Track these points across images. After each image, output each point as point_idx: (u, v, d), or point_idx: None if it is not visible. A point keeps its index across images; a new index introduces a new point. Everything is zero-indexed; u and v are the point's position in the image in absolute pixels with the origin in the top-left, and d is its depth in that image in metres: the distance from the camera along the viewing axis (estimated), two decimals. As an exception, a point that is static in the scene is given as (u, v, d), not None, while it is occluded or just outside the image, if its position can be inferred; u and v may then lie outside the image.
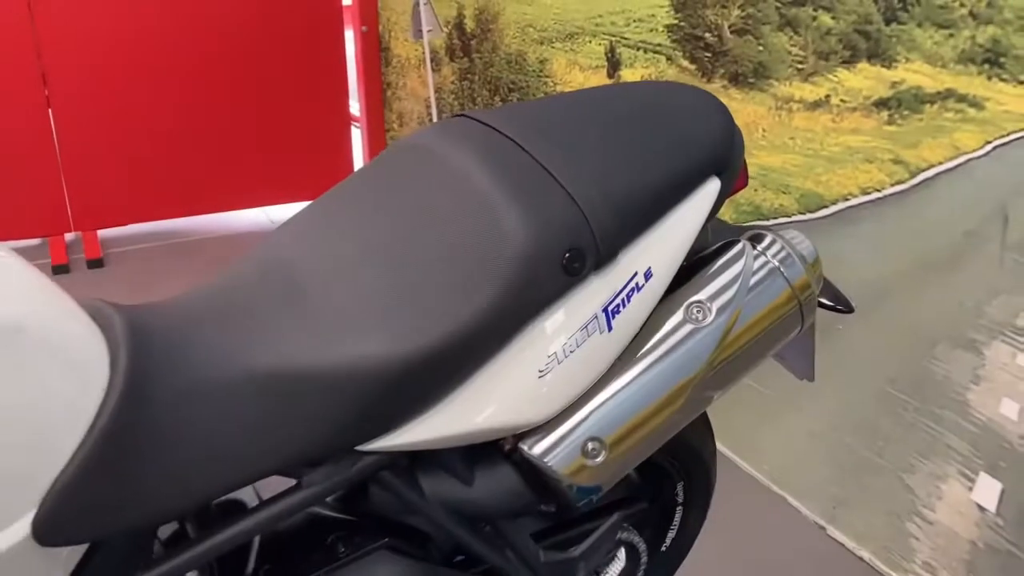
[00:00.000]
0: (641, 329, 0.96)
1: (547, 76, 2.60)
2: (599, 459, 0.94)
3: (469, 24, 2.95)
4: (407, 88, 3.49)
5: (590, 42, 2.38)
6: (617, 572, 1.20)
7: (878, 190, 1.66)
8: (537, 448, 0.93)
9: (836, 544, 1.89)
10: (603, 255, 0.91)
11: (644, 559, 1.38)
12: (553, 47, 2.54)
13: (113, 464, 0.75)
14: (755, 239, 1.05)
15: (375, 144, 3.76)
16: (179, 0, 3.23)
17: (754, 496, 2.03)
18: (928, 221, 1.59)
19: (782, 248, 1.03)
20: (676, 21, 2.06)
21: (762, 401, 2.02)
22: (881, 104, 1.63)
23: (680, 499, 1.41)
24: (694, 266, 1.02)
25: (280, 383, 0.83)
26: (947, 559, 1.68)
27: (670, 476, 1.36)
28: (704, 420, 1.37)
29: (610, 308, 0.92)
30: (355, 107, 3.78)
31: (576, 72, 2.45)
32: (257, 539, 1.04)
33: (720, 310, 0.99)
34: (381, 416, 0.88)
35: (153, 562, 0.85)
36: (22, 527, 0.72)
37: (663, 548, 1.46)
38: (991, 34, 1.43)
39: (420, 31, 3.27)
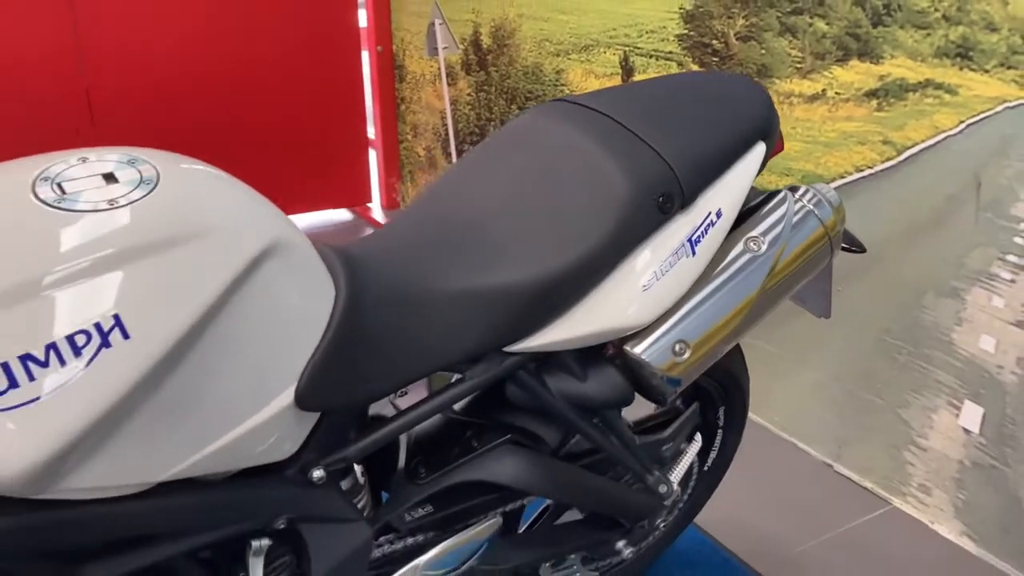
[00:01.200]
0: (713, 257, 1.25)
1: (563, 85, 2.89)
2: (684, 357, 1.22)
3: (485, 40, 3.24)
4: (421, 102, 3.77)
5: (604, 52, 2.69)
6: (692, 455, 1.48)
7: (870, 167, 1.96)
8: (638, 348, 1.21)
9: (843, 478, 2.18)
10: (686, 198, 1.20)
11: (695, 471, 1.67)
12: (569, 58, 2.84)
13: (342, 353, 1.01)
14: (793, 189, 1.35)
15: (389, 159, 4.03)
16: (200, 25, 3.48)
17: (767, 444, 2.31)
18: (914, 190, 1.89)
19: (815, 195, 1.33)
20: (686, 31, 2.37)
21: (771, 359, 2.31)
22: (871, 94, 1.94)
23: (721, 422, 1.70)
24: (748, 211, 1.31)
25: (452, 297, 1.11)
26: (939, 479, 1.97)
27: (714, 401, 1.64)
28: (741, 355, 1.65)
29: (693, 238, 1.21)
30: (371, 124, 4.06)
31: (592, 80, 2.75)
32: (404, 439, 1.30)
33: (771, 243, 1.28)
34: (524, 324, 1.15)
35: (360, 435, 1.12)
36: (288, 395, 0.99)
37: (706, 467, 1.74)
38: (961, 33, 1.74)
39: (435, 48, 3.56)
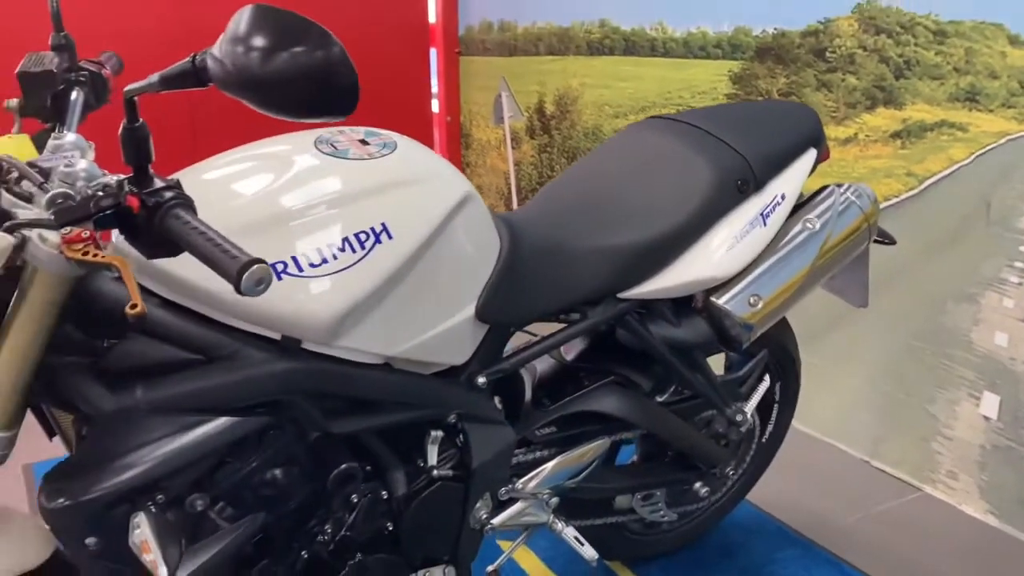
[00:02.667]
0: (778, 232, 1.61)
1: (622, 142, 3.31)
2: (758, 308, 1.57)
3: (549, 108, 3.68)
4: (486, 165, 4.20)
5: (660, 112, 3.10)
6: (761, 393, 1.81)
7: (896, 196, 2.33)
8: (722, 299, 1.57)
9: (880, 472, 2.48)
10: (758, 183, 1.58)
11: (758, 431, 1.99)
12: (627, 119, 3.26)
13: (506, 283, 1.38)
14: (839, 186, 1.72)
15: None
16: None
17: (809, 447, 2.61)
18: (934, 213, 2.26)
19: (856, 190, 1.70)
20: (734, 90, 2.78)
21: (811, 369, 2.63)
22: (895, 135, 2.32)
23: (776, 398, 2.03)
24: (804, 201, 1.68)
25: (581, 251, 1.48)
26: (964, 464, 2.27)
27: (772, 375, 1.97)
28: (794, 339, 2.00)
29: (764, 214, 1.57)
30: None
31: (648, 136, 3.16)
32: (530, 378, 1.64)
33: (823, 224, 1.64)
34: (634, 274, 1.52)
35: (509, 356, 1.47)
36: (471, 308, 1.35)
37: (763, 440, 2.06)
38: (969, 81, 2.13)
39: (501, 117, 4.01)
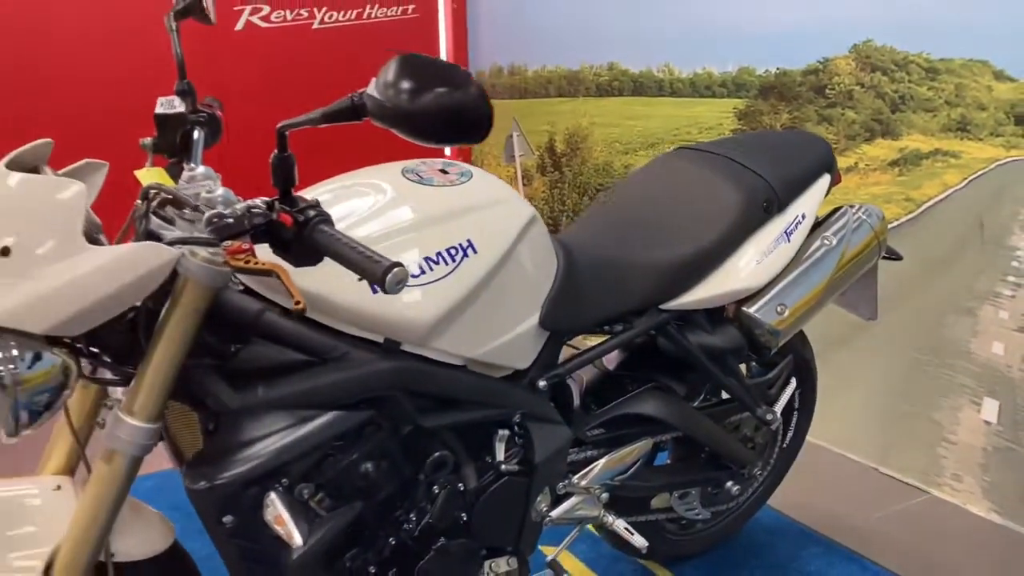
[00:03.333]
0: (800, 248, 1.80)
1: (632, 177, 3.51)
2: (784, 316, 1.75)
3: (560, 146, 3.89)
4: (497, 201, 4.39)
5: (668, 147, 3.30)
6: (788, 395, 1.98)
7: (896, 220, 2.53)
8: (752, 308, 1.74)
9: (889, 478, 2.64)
10: (781, 204, 1.76)
11: (779, 438, 2.16)
12: (636, 155, 3.47)
13: (564, 295, 1.55)
14: (851, 207, 1.91)
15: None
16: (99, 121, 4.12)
17: (821, 457, 2.78)
18: (931, 234, 2.45)
19: (867, 210, 1.89)
20: (739, 126, 2.99)
21: (821, 387, 2.81)
22: (893, 164, 2.52)
23: (796, 405, 2.20)
24: (821, 220, 1.87)
25: (627, 267, 1.65)
26: (967, 466, 2.45)
27: (791, 383, 2.14)
28: (812, 351, 2.17)
29: (787, 231, 1.76)
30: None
31: (658, 170, 3.36)
32: (577, 387, 1.81)
33: (839, 241, 1.83)
34: (674, 287, 1.69)
35: (564, 362, 1.64)
36: (535, 317, 1.52)
37: (784, 445, 2.23)
38: (960, 112, 2.34)
39: (512, 156, 4.21)
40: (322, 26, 4.12)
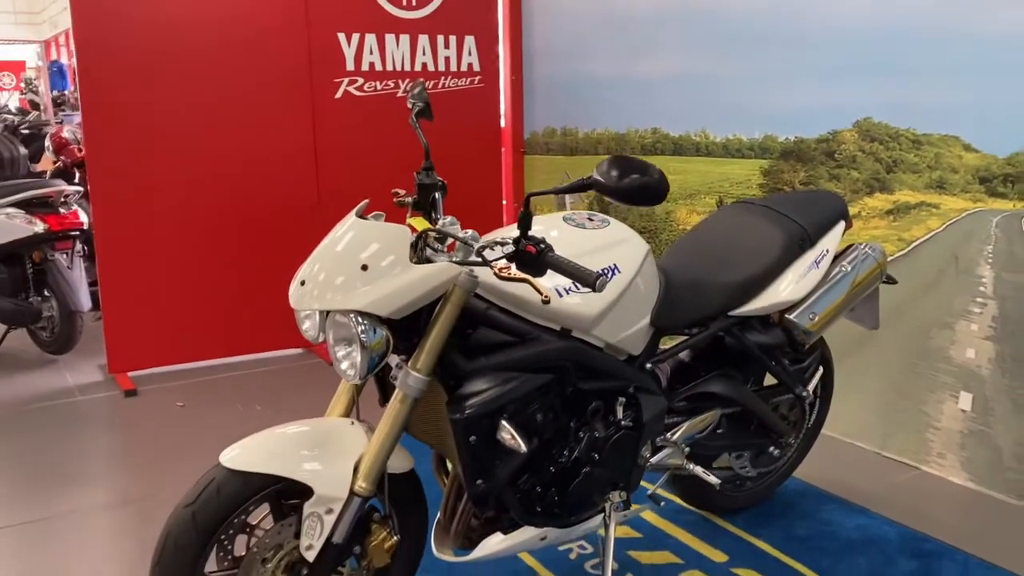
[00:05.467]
0: (825, 272, 2.53)
1: (672, 222, 4.25)
2: (815, 320, 2.48)
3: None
4: (549, 242, 5.13)
5: (704, 198, 4.05)
6: (818, 378, 2.70)
7: (892, 255, 3.26)
8: (793, 315, 2.47)
9: (889, 459, 3.35)
10: (812, 242, 2.50)
11: (806, 418, 2.87)
12: (676, 203, 4.21)
13: (666, 303, 2.28)
14: (861, 245, 2.64)
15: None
16: (225, 169, 4.82)
17: (834, 445, 3.48)
18: (918, 267, 3.19)
19: (872, 247, 2.63)
20: (764, 181, 3.74)
21: (836, 390, 3.52)
22: (888, 212, 3.27)
23: (819, 392, 2.92)
24: (839, 253, 2.61)
25: (708, 285, 2.38)
26: (949, 445, 3.15)
27: (819, 371, 2.85)
28: (829, 351, 2.89)
29: (816, 261, 2.50)
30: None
31: (695, 216, 4.11)
32: (663, 372, 2.52)
33: (852, 268, 2.56)
34: (738, 300, 2.42)
35: (662, 352, 2.36)
36: (648, 319, 2.24)
37: (809, 426, 2.94)
38: (938, 175, 3.09)
39: (564, 204, 4.94)
40: (405, 94, 4.88)
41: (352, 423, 2.05)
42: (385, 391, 2.19)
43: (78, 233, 4.75)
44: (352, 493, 1.92)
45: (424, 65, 4.95)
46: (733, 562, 2.62)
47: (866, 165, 3.33)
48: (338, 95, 4.73)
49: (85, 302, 4.73)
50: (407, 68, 4.90)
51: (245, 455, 1.92)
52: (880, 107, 3.26)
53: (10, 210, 4.59)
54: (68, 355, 4.88)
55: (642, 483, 2.38)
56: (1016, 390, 2.94)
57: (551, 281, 2.01)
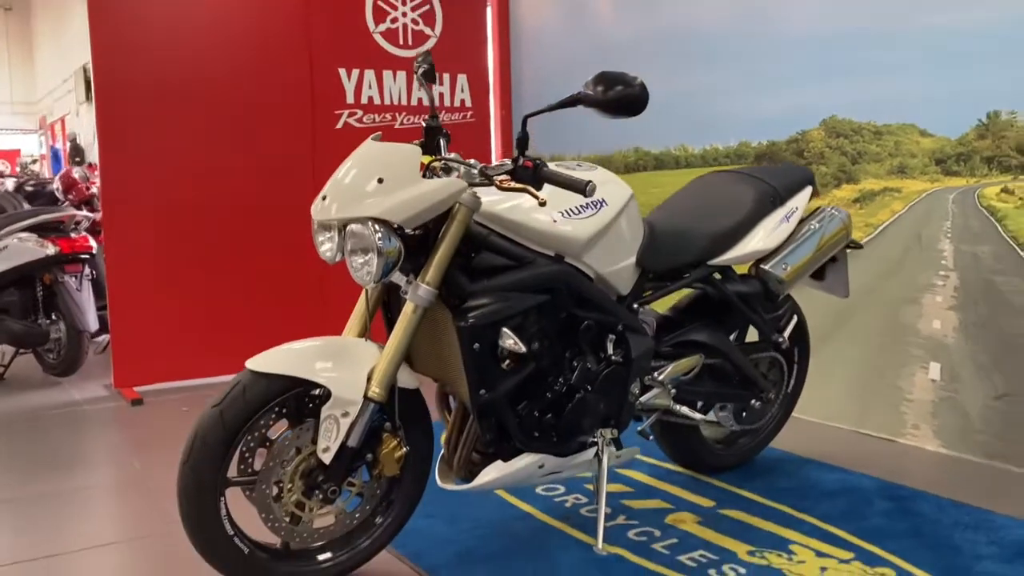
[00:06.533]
0: (795, 229, 2.76)
1: (656, 233, 4.49)
2: (788, 271, 2.70)
3: (594, 215, 4.88)
4: (539, 266, 5.36)
5: (685, 208, 4.30)
6: (792, 326, 2.89)
7: (861, 239, 3.50)
8: (767, 265, 2.69)
9: (866, 436, 3.52)
10: (782, 200, 2.75)
11: (785, 381, 3.05)
12: (659, 216, 4.45)
13: (650, 246, 2.50)
14: (827, 207, 2.88)
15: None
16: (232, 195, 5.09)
17: (813, 428, 3.65)
18: (886, 248, 3.43)
19: (838, 210, 2.87)
20: (741, 185, 3.99)
21: (813, 373, 3.71)
22: (856, 200, 3.52)
23: (795, 359, 3.11)
24: (808, 215, 2.85)
25: (689, 233, 2.61)
26: (921, 415, 3.34)
27: (793, 320, 3.04)
28: (805, 320, 3.09)
29: (787, 216, 2.73)
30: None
31: (677, 225, 4.35)
32: (650, 321, 2.72)
33: (820, 225, 2.79)
34: (717, 249, 2.65)
35: (648, 295, 2.57)
36: (633, 258, 2.46)
37: (788, 390, 3.13)
38: (899, 161, 3.36)
39: (552, 227, 5.19)
40: (402, 127, 5.18)
41: (365, 340, 2.23)
42: (392, 326, 2.38)
43: (88, 257, 4.95)
44: (366, 398, 2.10)
45: (419, 100, 5.25)
46: (720, 506, 2.77)
47: (833, 159, 3.60)
48: (339, 126, 5.01)
49: (93, 323, 4.89)
50: (403, 102, 5.21)
51: (269, 360, 2.10)
52: (843, 105, 3.54)
53: (23, 234, 4.80)
54: (72, 377, 5.01)
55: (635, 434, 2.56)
56: (979, 354, 3.15)
57: (547, 213, 2.24)
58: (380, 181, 2.03)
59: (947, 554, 2.37)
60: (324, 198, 2.09)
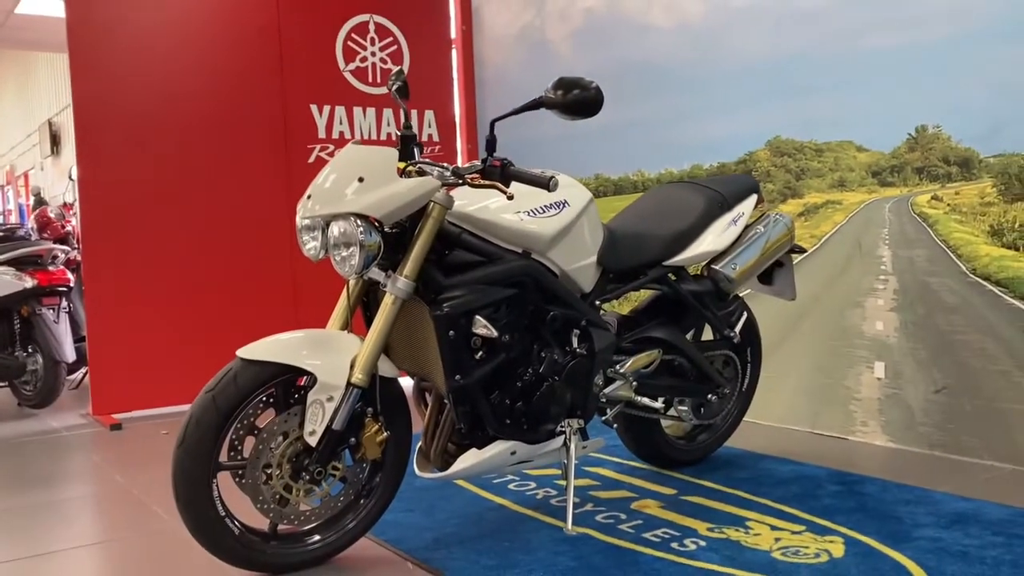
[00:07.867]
0: (742, 233, 2.98)
1: (617, 254, 4.71)
2: (736, 271, 2.92)
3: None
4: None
5: (644, 229, 4.53)
6: (742, 323, 3.10)
7: (806, 250, 3.74)
8: (718, 266, 2.91)
9: (819, 436, 3.72)
10: (729, 206, 2.98)
11: (739, 379, 3.25)
12: (620, 238, 4.68)
13: (609, 247, 2.71)
14: (772, 213, 3.12)
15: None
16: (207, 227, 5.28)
17: (766, 432, 3.85)
18: (830, 256, 3.66)
19: (782, 215, 3.11)
20: (695, 205, 4.23)
21: (767, 379, 3.92)
22: (802, 214, 3.77)
23: (748, 359, 3.32)
24: (755, 221, 3.08)
25: (645, 236, 2.83)
26: (869, 412, 3.55)
27: (744, 341, 3.26)
28: (756, 322, 3.31)
29: (734, 220, 2.96)
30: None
31: (637, 246, 4.58)
32: (613, 323, 2.91)
33: (765, 229, 3.02)
34: (670, 251, 2.87)
35: (608, 293, 2.77)
36: (594, 257, 2.67)
37: (743, 389, 3.33)
38: (839, 175, 3.62)
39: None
40: (371, 159, 5.38)
41: (347, 333, 2.40)
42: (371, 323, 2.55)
43: (65, 290, 5.06)
44: (349, 384, 2.26)
45: (389, 135, 5.47)
46: (682, 493, 2.95)
47: (779, 177, 3.86)
48: (311, 160, 5.20)
49: (70, 354, 4.99)
50: (374, 137, 5.42)
51: (259, 349, 2.27)
52: (785, 126, 3.81)
53: (1, 268, 4.91)
54: (48, 408, 5.09)
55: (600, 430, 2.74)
56: (918, 351, 3.38)
57: (514, 212, 2.44)
58: (360, 180, 2.22)
59: (890, 523, 2.56)
60: (309, 197, 2.28)
